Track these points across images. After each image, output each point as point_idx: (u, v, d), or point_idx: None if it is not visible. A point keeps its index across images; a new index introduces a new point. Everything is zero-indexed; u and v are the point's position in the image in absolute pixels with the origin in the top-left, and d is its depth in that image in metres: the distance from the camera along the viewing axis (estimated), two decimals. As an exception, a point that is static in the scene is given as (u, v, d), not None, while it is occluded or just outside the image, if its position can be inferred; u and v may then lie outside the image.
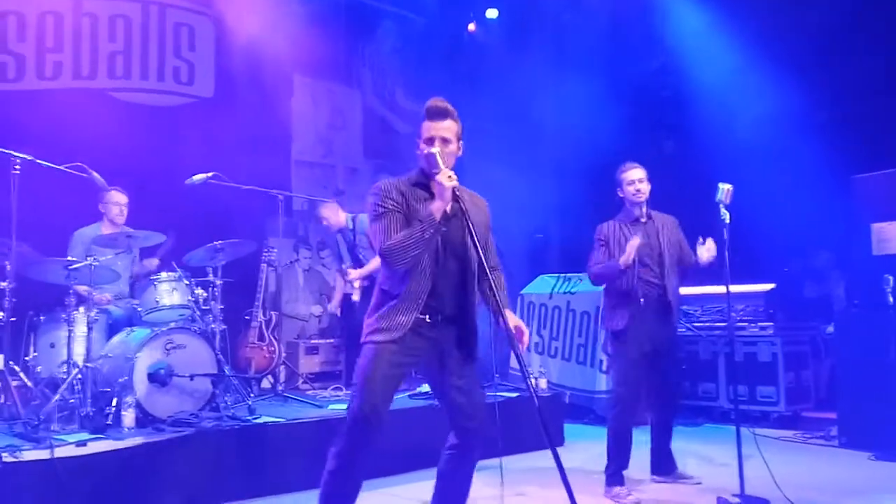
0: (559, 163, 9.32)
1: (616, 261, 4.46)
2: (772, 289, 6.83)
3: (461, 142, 3.14)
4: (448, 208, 3.00)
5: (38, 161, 4.59)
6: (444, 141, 3.05)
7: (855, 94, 7.32)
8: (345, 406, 5.17)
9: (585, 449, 5.55)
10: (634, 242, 4.40)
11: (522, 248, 8.60)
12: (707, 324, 6.92)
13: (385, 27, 8.87)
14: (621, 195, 4.67)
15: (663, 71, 8.34)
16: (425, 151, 3.06)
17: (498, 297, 2.98)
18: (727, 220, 4.15)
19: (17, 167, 4.48)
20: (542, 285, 7.31)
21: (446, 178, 2.93)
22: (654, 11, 8.34)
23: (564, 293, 7.16)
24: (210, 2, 7.31)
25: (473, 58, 9.08)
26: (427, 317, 3.04)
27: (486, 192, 3.39)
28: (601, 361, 6.68)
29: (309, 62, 8.06)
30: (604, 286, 4.69)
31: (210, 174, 5.43)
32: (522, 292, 7.35)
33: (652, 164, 4.71)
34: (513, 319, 3.04)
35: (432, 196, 3.01)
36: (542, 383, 6.28)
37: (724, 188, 4.17)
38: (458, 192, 2.98)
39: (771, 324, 6.64)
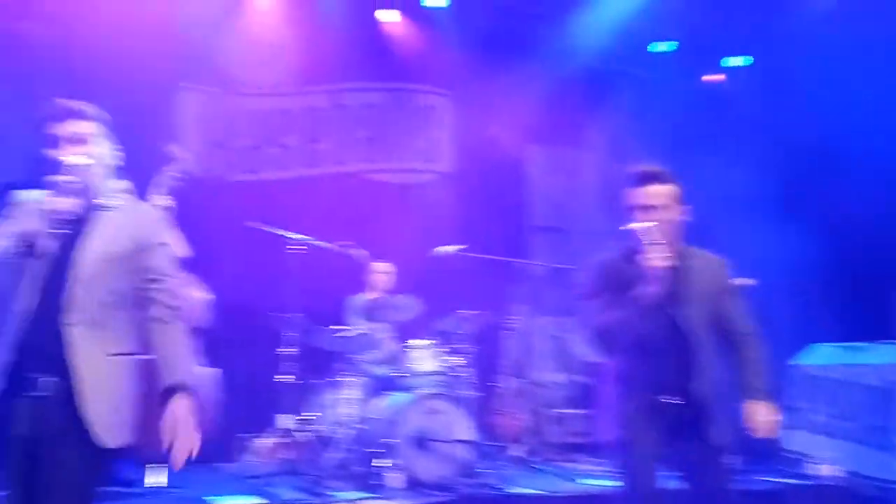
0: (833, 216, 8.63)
1: None
2: None
3: (683, 205, 3.10)
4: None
5: (311, 241, 5.39)
6: (653, 208, 3.03)
7: None
8: (597, 482, 5.41)
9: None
10: None
11: (785, 310, 8.28)
12: None
13: (617, 88, 9.14)
14: None
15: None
16: (629, 225, 3.05)
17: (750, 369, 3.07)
18: None
19: (294, 247, 5.28)
20: (819, 355, 6.90)
21: (652, 257, 2.91)
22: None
23: (850, 365, 6.49)
24: (450, 82, 8.07)
25: (715, 109, 9.02)
26: (659, 398, 3.04)
27: (737, 250, 3.39)
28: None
29: (542, 130, 8.52)
30: None
31: (457, 246, 5.97)
32: (795, 363, 7.02)
33: None
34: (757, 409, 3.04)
35: (640, 270, 2.98)
36: (828, 469, 5.86)
37: None
38: (677, 259, 3.02)
39: None
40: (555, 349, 7.91)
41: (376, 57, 7.83)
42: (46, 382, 2.48)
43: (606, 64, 8.83)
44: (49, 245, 2.53)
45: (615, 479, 3.15)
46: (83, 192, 2.64)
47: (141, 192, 4.74)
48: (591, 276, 3.16)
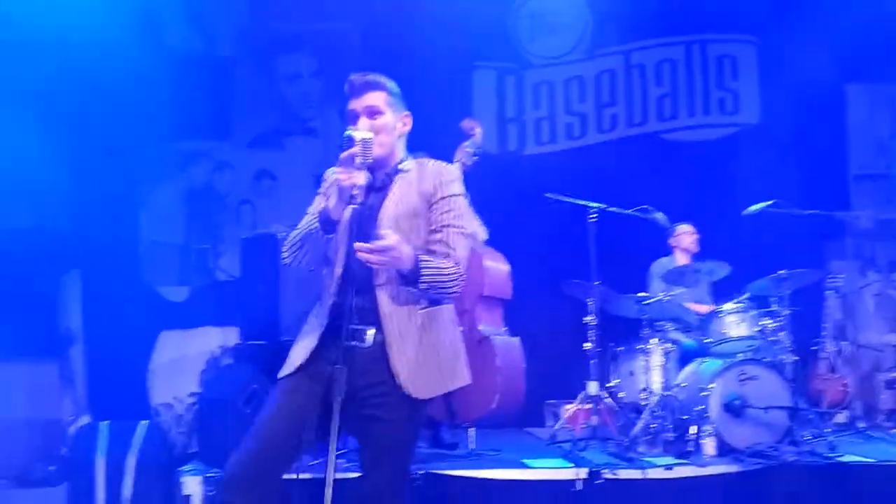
0: None
1: None
2: None
3: None
4: None
5: (609, 208, 5.47)
6: None
7: None
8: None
9: None
10: None
11: None
12: None
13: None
14: None
15: None
16: None
17: None
18: None
19: (594, 215, 5.40)
20: None
21: None
22: None
23: None
24: (753, 27, 7.70)
25: None
26: None
27: None
28: None
29: (865, 66, 7.87)
30: None
31: (768, 202, 5.73)
32: None
33: None
34: None
35: None
36: None
37: None
38: None
39: None
40: (884, 308, 7.35)
41: (670, 10, 7.64)
42: (371, 334, 2.71)
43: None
44: (349, 215, 2.71)
45: None
46: (376, 162, 2.76)
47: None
48: None
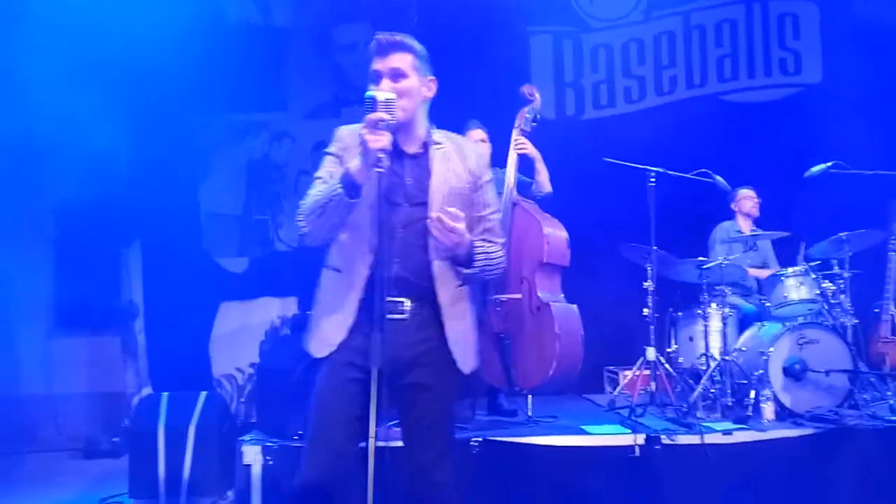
0: None
1: None
2: None
3: None
4: None
5: (669, 172, 5.51)
6: None
7: None
8: None
9: None
10: None
11: None
12: None
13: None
14: None
15: None
16: None
17: None
18: None
19: (652, 179, 5.44)
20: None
21: None
22: None
23: None
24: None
25: None
26: None
27: None
28: None
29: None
30: None
31: (829, 164, 5.70)
32: None
33: None
34: None
35: None
36: None
37: None
38: None
39: None
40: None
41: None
42: (408, 305, 2.76)
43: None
44: (376, 182, 2.62)
45: None
46: (399, 125, 2.68)
47: (499, 136, 5.24)
48: None
